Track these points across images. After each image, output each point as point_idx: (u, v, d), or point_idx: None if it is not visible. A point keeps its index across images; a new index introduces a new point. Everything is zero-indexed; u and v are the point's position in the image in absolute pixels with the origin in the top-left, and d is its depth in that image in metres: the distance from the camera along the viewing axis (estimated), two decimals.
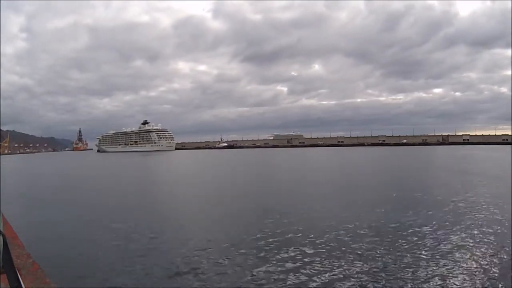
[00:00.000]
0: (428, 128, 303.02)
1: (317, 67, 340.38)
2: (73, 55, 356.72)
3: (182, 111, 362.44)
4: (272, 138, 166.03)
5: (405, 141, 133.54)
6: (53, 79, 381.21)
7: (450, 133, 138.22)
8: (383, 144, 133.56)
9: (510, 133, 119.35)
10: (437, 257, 7.74)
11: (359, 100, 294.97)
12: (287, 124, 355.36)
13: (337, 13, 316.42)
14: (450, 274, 6.78)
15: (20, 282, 1.37)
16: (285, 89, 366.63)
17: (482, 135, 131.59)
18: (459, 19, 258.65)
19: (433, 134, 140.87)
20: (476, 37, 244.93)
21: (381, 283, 6.48)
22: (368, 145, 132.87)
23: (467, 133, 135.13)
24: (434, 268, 7.13)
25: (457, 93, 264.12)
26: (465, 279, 6.53)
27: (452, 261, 7.47)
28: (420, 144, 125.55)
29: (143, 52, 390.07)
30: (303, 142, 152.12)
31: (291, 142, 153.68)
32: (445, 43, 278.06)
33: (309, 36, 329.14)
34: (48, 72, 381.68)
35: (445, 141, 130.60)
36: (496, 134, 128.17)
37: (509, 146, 76.07)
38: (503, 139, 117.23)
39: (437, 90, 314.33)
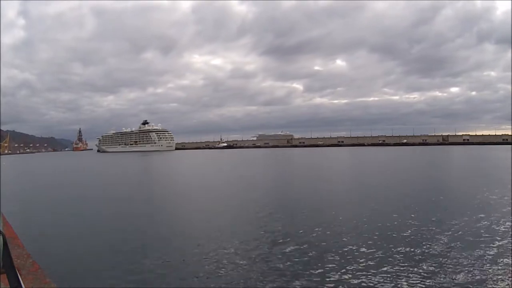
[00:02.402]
0: (428, 128, 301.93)
1: (339, 62, 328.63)
2: (76, 45, 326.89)
3: (188, 110, 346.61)
4: (255, 138, 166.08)
5: (405, 141, 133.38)
6: (54, 74, 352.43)
7: (450, 133, 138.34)
8: (383, 144, 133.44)
9: (510, 133, 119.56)
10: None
11: (371, 99, 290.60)
12: (291, 123, 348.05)
13: (375, 3, 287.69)
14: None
15: (20, 282, 1.37)
16: (300, 86, 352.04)
17: (482, 135, 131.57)
18: (497, 15, 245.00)
19: (433, 134, 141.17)
20: (506, 34, 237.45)
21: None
22: (368, 145, 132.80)
23: (467, 133, 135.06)
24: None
25: (473, 92, 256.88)
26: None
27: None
28: (420, 144, 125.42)
29: (156, 41, 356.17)
30: (303, 142, 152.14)
31: (291, 142, 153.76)
32: (476, 40, 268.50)
33: (339, 28, 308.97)
34: (48, 65, 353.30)
35: (445, 141, 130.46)
36: (496, 134, 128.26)
37: (509, 146, 76.09)
38: (503, 139, 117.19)
39: (454, 89, 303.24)
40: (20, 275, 1.52)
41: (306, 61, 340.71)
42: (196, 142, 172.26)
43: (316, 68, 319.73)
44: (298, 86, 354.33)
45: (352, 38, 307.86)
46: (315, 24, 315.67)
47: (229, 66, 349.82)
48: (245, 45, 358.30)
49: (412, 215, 11.91)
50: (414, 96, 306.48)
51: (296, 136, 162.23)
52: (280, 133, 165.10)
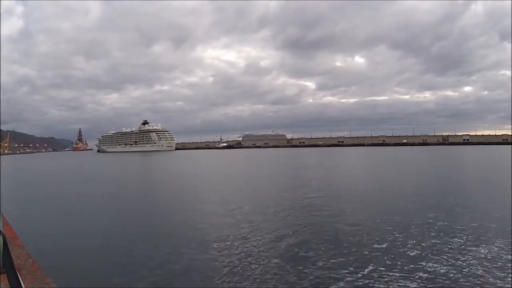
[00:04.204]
0: (428, 128, 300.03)
1: (357, 59, 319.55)
2: (78, 36, 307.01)
3: (193, 109, 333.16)
4: (241, 139, 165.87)
5: (405, 141, 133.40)
6: (54, 69, 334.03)
7: (450, 133, 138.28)
8: (383, 144, 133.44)
9: (510, 133, 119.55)
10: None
11: (380, 98, 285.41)
12: (294, 123, 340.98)
13: None
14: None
15: (20, 282, 1.38)
16: (313, 84, 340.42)
17: (482, 135, 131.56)
18: None
19: (433, 134, 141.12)
20: None
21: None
22: (368, 145, 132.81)
23: (467, 133, 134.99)
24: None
25: (485, 92, 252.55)
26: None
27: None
28: (420, 144, 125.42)
29: (168, 31, 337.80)
30: (303, 142, 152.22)
31: (291, 143, 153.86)
32: (498, 38, 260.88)
33: (363, 22, 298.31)
34: (48, 59, 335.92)
35: (445, 141, 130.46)
36: (496, 134, 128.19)
37: (509, 146, 76.08)
38: (503, 139, 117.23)
39: (467, 88, 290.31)
40: (20, 275, 1.53)
41: (324, 57, 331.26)
42: (196, 142, 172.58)
43: (338, 64, 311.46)
44: (310, 84, 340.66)
45: (375, 33, 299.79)
46: (342, 16, 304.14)
47: (243, 62, 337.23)
48: (263, 38, 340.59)
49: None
50: (425, 96, 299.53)
51: (295, 136, 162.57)
52: (270, 133, 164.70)
